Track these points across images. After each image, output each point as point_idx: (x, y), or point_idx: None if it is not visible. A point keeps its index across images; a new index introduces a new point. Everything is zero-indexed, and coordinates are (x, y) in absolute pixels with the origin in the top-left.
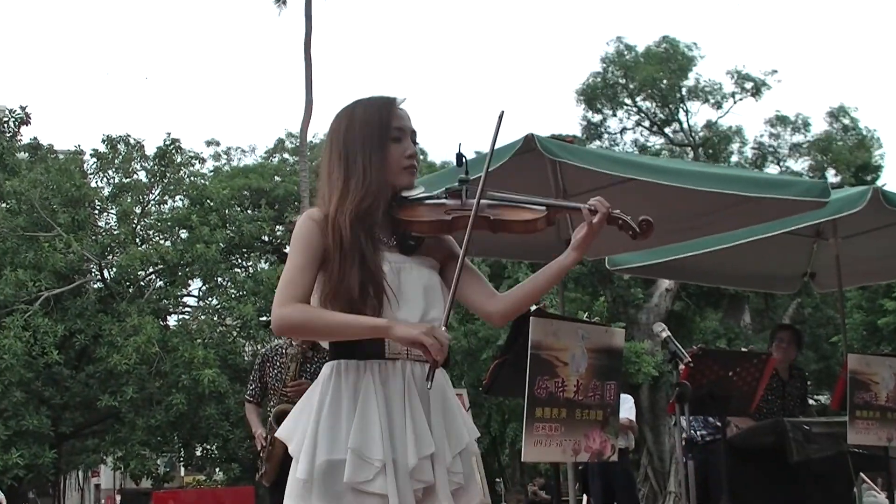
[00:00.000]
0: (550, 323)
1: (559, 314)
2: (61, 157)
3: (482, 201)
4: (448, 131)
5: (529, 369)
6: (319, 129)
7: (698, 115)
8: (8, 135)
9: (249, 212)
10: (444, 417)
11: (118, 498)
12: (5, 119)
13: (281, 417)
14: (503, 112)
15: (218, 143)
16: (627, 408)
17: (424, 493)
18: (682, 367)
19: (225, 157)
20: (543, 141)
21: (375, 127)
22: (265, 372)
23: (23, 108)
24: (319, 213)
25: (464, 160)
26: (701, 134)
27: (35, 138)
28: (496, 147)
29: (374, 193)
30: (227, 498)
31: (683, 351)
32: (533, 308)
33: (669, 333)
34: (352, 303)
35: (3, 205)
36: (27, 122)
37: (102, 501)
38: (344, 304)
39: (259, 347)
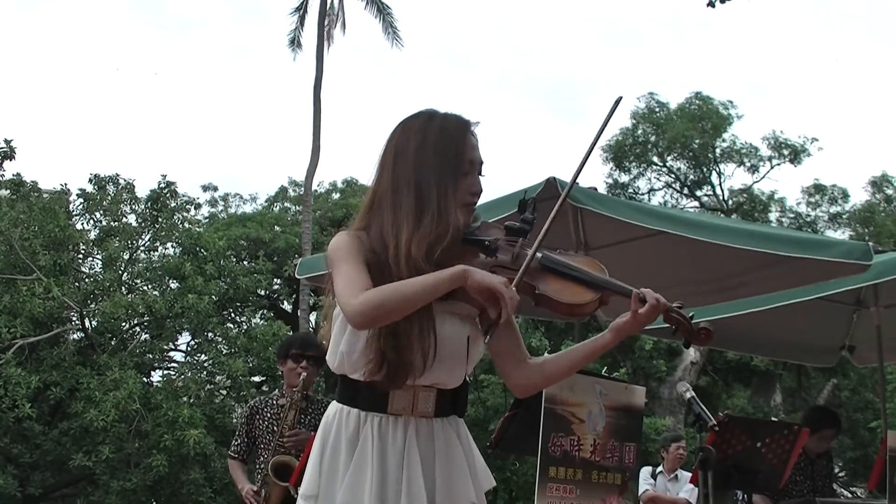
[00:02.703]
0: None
1: None
2: (45, 195)
3: (536, 255)
4: None
5: (543, 425)
6: (325, 178)
7: (732, 178)
8: None
9: (246, 263)
10: (448, 475)
11: None
12: None
13: (279, 469)
14: (620, 98)
15: (216, 189)
16: (688, 489)
17: None
18: (707, 431)
19: (222, 203)
20: (566, 186)
21: (451, 158)
22: (254, 424)
23: (7, 142)
24: (363, 233)
25: (528, 206)
26: (734, 199)
27: (18, 174)
28: (516, 191)
29: (444, 236)
30: None
31: (709, 413)
32: None
33: (694, 394)
34: (397, 350)
35: None
36: (11, 157)
37: None
38: (389, 346)
39: None
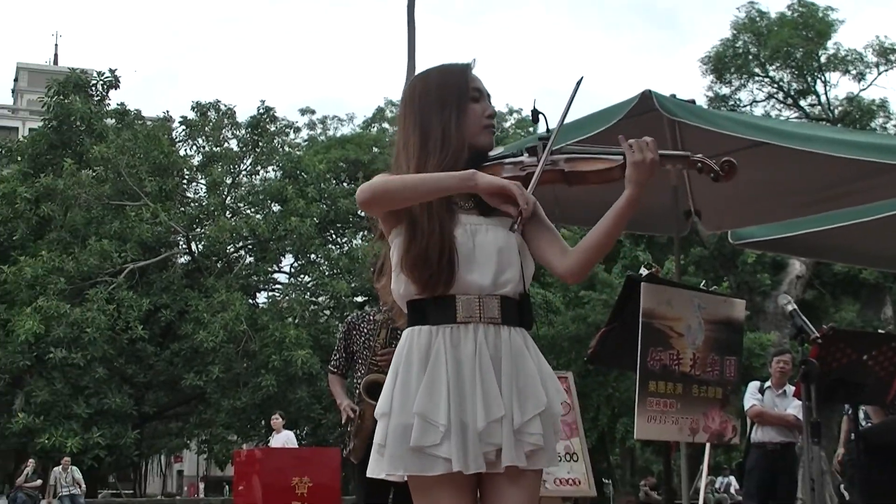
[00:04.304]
0: (664, 290)
1: (672, 281)
2: (149, 123)
3: (558, 157)
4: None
5: (641, 339)
6: None
7: (838, 87)
8: (96, 99)
9: (346, 185)
10: (517, 379)
11: (202, 486)
12: (94, 83)
13: (371, 388)
14: (581, 78)
15: (313, 112)
16: (796, 405)
17: (497, 456)
18: (811, 345)
19: (321, 126)
20: (662, 99)
21: (454, 88)
22: (351, 340)
23: (112, 72)
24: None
25: (540, 116)
26: (839, 108)
27: (123, 104)
28: (611, 105)
29: (453, 155)
30: (312, 458)
31: (811, 326)
32: (644, 273)
33: (795, 306)
34: (433, 268)
35: (90, 172)
36: (116, 87)
37: (185, 489)
38: (418, 268)
39: None
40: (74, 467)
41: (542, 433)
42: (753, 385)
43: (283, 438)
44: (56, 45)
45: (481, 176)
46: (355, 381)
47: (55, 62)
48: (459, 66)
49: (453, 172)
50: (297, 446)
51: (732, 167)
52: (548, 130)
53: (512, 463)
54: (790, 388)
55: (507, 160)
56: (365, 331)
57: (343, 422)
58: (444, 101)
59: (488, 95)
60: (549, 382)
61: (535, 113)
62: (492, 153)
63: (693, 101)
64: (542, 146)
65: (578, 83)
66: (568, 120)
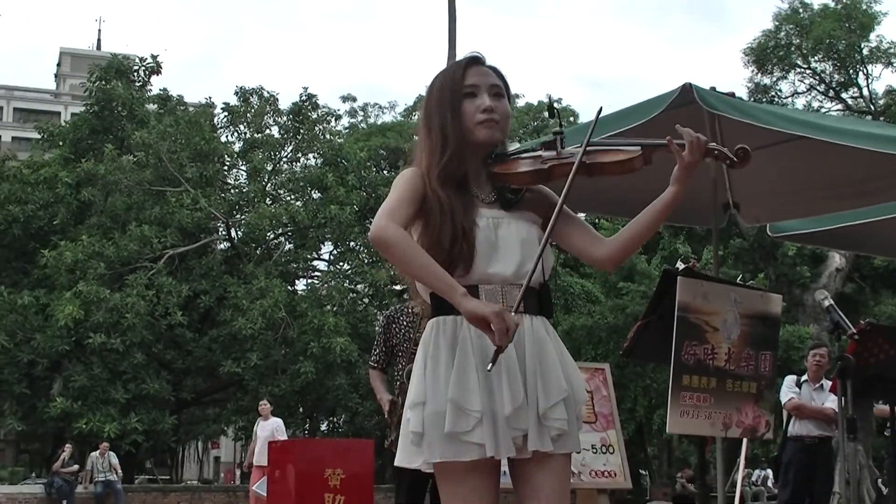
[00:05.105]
0: (700, 284)
1: (709, 275)
2: (191, 109)
3: (577, 149)
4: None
5: (676, 333)
6: None
7: (880, 79)
8: (138, 84)
9: (386, 173)
10: (540, 366)
11: (238, 472)
12: (136, 68)
13: None
14: (602, 109)
15: (354, 100)
16: (834, 398)
17: (525, 441)
18: (848, 340)
19: (362, 113)
20: (702, 92)
21: (448, 88)
22: (391, 333)
23: (154, 58)
24: (422, 173)
25: (556, 112)
26: (882, 101)
27: (165, 89)
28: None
29: (454, 152)
30: (347, 449)
31: (848, 322)
32: (681, 267)
33: (832, 301)
34: (445, 255)
35: (131, 157)
36: (158, 72)
37: (222, 475)
38: (438, 257)
39: None
40: (112, 453)
41: (567, 418)
42: (790, 378)
43: (272, 425)
44: (99, 30)
45: (469, 301)
46: (396, 372)
47: (98, 47)
48: (458, 62)
49: (450, 283)
50: (284, 433)
51: (747, 154)
52: (560, 125)
53: (537, 448)
54: (827, 382)
55: (525, 155)
56: (404, 324)
57: (386, 415)
58: (441, 103)
59: (493, 87)
60: (570, 370)
61: (551, 108)
62: (509, 149)
63: (733, 94)
64: (560, 140)
65: (599, 112)
66: (610, 111)
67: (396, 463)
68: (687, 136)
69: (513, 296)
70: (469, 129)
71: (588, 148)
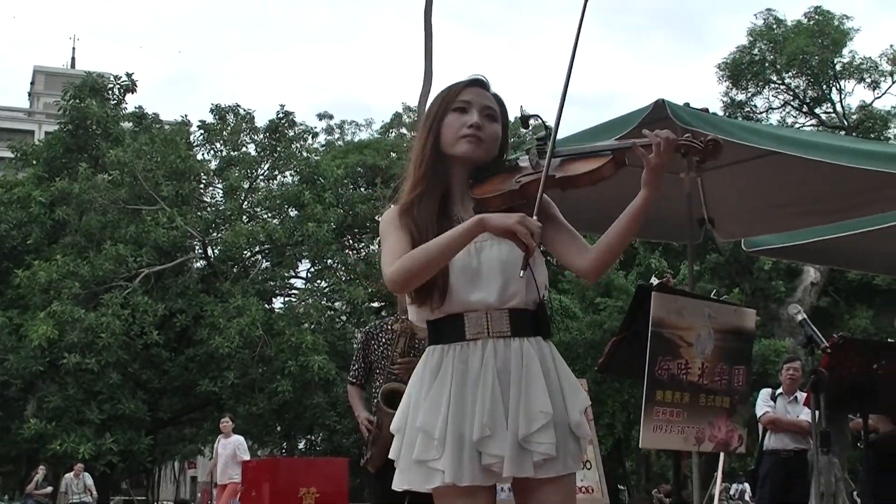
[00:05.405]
0: (675, 299)
1: (684, 290)
2: (167, 127)
3: (552, 161)
4: (574, 100)
5: (650, 348)
6: None
7: (853, 95)
8: (112, 102)
9: (363, 190)
10: (525, 390)
11: (215, 492)
12: (111, 86)
13: (389, 396)
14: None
15: (331, 117)
16: (807, 412)
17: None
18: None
19: (338, 131)
20: (675, 108)
21: (437, 104)
22: (369, 350)
23: (129, 76)
24: (395, 210)
25: (529, 122)
26: (854, 117)
27: (140, 107)
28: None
29: (429, 170)
30: (321, 467)
31: (821, 336)
32: (655, 282)
33: (805, 315)
34: (422, 289)
35: (106, 175)
36: (133, 90)
37: (199, 495)
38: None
39: None
40: (86, 474)
41: (555, 442)
42: (765, 392)
43: (233, 443)
44: (73, 48)
45: (488, 220)
46: (374, 391)
47: (72, 65)
48: (458, 82)
49: (462, 227)
50: (247, 451)
51: (717, 145)
52: (546, 130)
53: (513, 474)
54: (801, 395)
55: (502, 172)
56: (382, 341)
57: (364, 434)
58: (428, 117)
59: (486, 108)
60: (566, 390)
61: (525, 119)
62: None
63: (706, 110)
64: (536, 149)
65: (559, 112)
66: (586, 127)
67: (393, 485)
68: (652, 138)
69: (500, 321)
70: (450, 142)
71: (557, 158)
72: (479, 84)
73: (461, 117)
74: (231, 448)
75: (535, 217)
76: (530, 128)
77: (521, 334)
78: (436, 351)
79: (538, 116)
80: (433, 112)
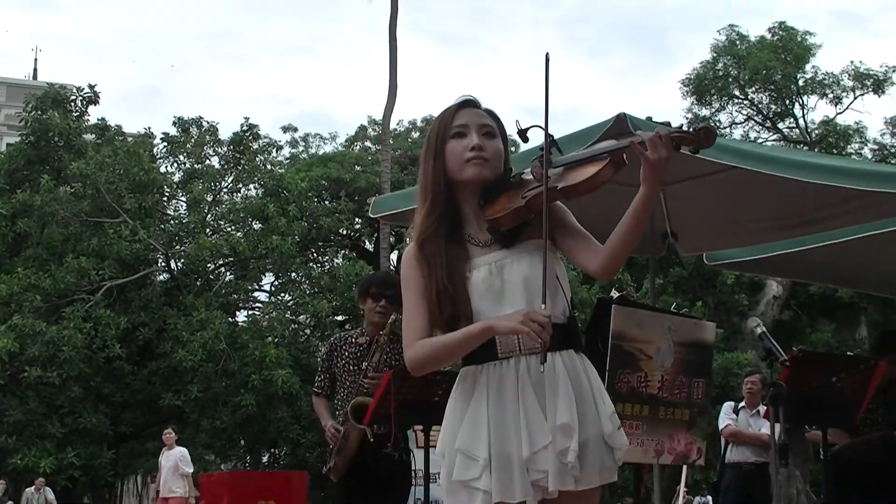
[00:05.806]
0: (634, 313)
1: (644, 303)
2: (130, 139)
3: (551, 172)
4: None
5: (610, 361)
6: (403, 116)
7: (815, 110)
8: (75, 114)
9: (328, 203)
10: (556, 405)
11: None
12: (73, 98)
13: (358, 410)
14: (548, 54)
15: (295, 130)
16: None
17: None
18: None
19: (303, 144)
20: (637, 122)
21: (434, 133)
22: (333, 361)
23: (91, 87)
24: (413, 245)
25: (527, 136)
26: (817, 132)
27: (103, 119)
28: (585, 128)
29: (436, 200)
30: (280, 481)
31: (780, 349)
32: (615, 295)
33: (764, 329)
34: (448, 324)
35: (68, 188)
36: (96, 102)
37: None
38: (444, 327)
39: None
40: (48, 488)
41: (588, 455)
42: (728, 405)
43: (175, 455)
44: (35, 59)
45: (497, 326)
46: (336, 402)
47: (34, 77)
48: (449, 107)
49: (475, 331)
50: (189, 462)
51: (710, 133)
52: (546, 139)
53: (557, 488)
54: (763, 408)
55: (510, 189)
56: (346, 354)
57: (329, 441)
58: (429, 147)
59: (484, 126)
60: (600, 405)
61: (522, 133)
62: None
63: (669, 124)
64: (539, 159)
65: (547, 61)
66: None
67: None
68: (645, 134)
69: (529, 338)
70: (456, 168)
71: (559, 167)
72: (470, 104)
73: (461, 141)
74: (173, 460)
75: (544, 234)
76: (529, 140)
77: (552, 349)
78: (469, 372)
79: (539, 126)
80: (432, 142)
